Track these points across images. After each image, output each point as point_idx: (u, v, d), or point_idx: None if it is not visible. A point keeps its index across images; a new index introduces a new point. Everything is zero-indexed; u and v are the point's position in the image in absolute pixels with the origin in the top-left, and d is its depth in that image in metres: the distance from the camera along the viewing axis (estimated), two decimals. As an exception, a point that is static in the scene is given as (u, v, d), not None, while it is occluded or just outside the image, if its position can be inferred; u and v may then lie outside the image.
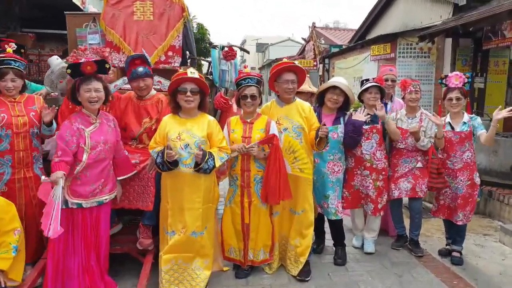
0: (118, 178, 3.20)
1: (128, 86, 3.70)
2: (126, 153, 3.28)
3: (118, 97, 3.66)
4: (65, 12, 4.45)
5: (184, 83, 3.08)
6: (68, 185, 2.90)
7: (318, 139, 3.24)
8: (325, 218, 3.94)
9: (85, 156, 2.89)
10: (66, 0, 5.38)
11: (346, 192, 3.93)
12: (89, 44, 4.38)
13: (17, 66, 3.21)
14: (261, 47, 40.34)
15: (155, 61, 4.24)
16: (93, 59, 3.08)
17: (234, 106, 3.99)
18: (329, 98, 3.73)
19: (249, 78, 3.32)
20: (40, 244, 3.29)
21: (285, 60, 3.51)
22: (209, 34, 12.96)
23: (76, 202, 2.91)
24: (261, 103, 3.47)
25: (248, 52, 5.04)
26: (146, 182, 3.30)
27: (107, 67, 3.06)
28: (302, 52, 19.92)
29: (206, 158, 3.02)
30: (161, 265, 3.12)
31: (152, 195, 3.27)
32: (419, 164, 3.89)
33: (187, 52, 4.49)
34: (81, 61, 3.03)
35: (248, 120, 3.37)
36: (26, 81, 3.50)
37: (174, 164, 3.02)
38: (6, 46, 3.82)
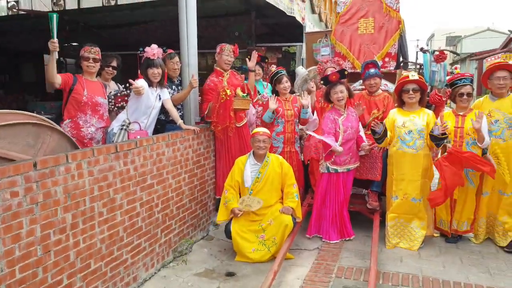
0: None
1: (361, 87, 4.85)
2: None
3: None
4: (304, 32, 5.94)
5: (407, 84, 4.01)
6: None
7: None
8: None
9: (340, 137, 4.12)
10: (290, 19, 6.83)
11: None
12: (322, 55, 5.75)
13: (285, 74, 4.65)
14: (453, 41, 37.15)
15: (374, 66, 5.29)
16: (336, 70, 4.29)
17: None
18: None
19: (464, 78, 4.01)
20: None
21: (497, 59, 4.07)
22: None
23: (334, 168, 4.14)
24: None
25: (458, 55, 5.49)
26: (375, 159, 4.38)
27: (346, 73, 4.24)
28: (507, 45, 18.01)
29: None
30: (387, 221, 4.14)
31: (379, 169, 4.34)
32: None
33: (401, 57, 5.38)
34: (327, 73, 4.29)
35: (461, 114, 4.03)
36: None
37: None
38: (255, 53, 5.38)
